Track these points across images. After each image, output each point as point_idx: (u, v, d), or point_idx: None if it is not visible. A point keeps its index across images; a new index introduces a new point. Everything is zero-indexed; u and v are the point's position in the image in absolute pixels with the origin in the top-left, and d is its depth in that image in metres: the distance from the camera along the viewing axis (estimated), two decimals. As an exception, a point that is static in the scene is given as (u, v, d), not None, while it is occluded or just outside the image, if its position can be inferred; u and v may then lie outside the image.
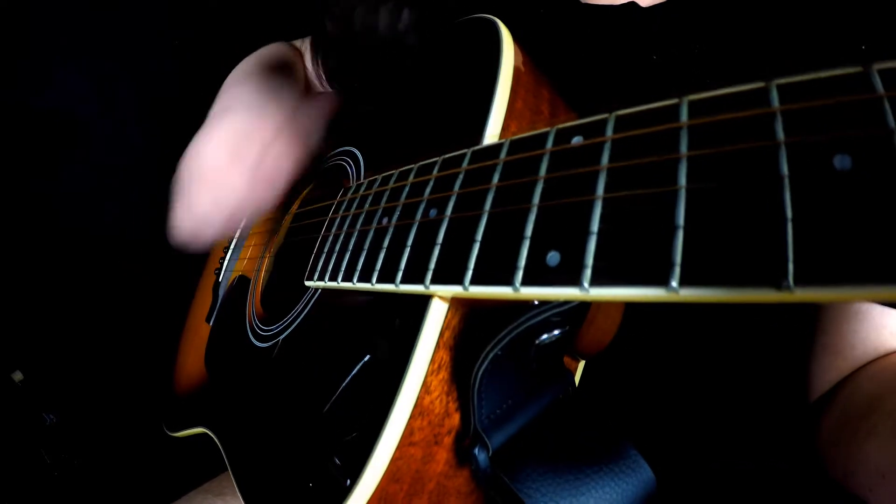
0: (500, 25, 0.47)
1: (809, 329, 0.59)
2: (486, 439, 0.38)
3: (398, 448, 0.37)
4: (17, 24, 1.35)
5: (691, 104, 0.25)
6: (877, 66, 0.20)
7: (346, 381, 0.42)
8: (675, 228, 0.22)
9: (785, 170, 0.20)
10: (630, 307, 0.42)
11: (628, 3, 0.57)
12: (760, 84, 0.23)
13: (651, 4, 0.57)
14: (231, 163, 0.61)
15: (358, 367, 0.42)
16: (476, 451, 0.38)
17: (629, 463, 0.40)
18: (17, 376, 1.39)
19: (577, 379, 0.48)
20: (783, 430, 0.62)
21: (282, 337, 0.60)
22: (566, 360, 0.46)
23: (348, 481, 0.37)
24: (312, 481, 0.41)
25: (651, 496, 0.40)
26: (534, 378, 0.41)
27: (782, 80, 0.22)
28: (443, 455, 0.40)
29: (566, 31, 0.61)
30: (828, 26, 0.50)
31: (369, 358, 0.42)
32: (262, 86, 0.74)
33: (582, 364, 0.48)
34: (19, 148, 1.40)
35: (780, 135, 0.21)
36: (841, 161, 0.19)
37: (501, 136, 0.41)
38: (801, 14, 0.51)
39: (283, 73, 0.82)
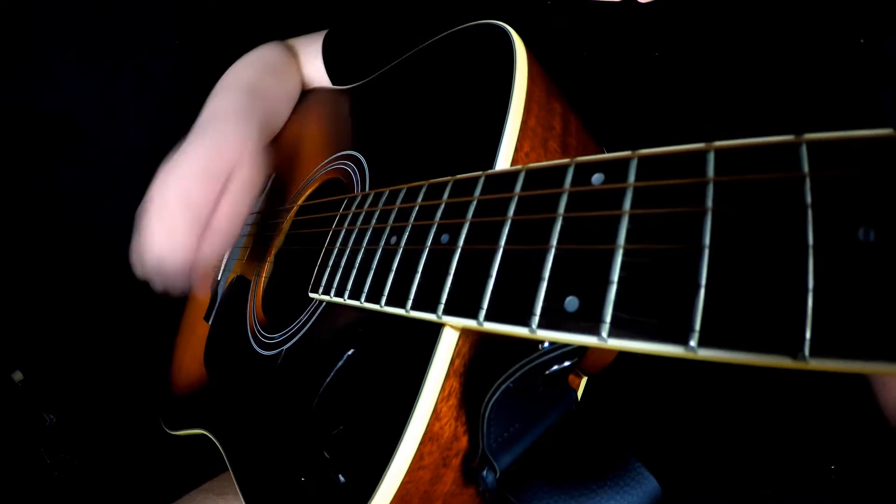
0: (513, 35, 0.46)
1: None
2: (494, 462, 0.38)
3: (408, 473, 0.37)
4: (17, 24, 1.34)
5: (718, 153, 0.24)
6: None
7: (331, 375, 0.42)
8: (696, 289, 0.22)
9: (811, 239, 0.20)
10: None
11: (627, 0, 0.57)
12: (790, 138, 0.22)
13: (649, 0, 0.57)
14: (182, 212, 0.63)
15: (342, 361, 0.42)
16: (484, 473, 0.38)
17: (634, 475, 0.40)
18: (17, 376, 1.39)
19: (579, 393, 0.48)
20: (789, 440, 0.62)
21: (286, 347, 0.60)
22: (570, 377, 0.46)
23: (341, 477, 0.37)
24: (304, 475, 0.41)
25: None
26: (540, 400, 0.41)
27: (812, 137, 0.22)
28: (450, 476, 0.40)
29: (565, 29, 0.61)
30: (826, 22, 0.50)
31: (353, 352, 0.42)
32: (237, 103, 0.77)
33: (584, 380, 0.48)
34: (19, 148, 1.39)
35: (808, 199, 0.21)
36: (865, 233, 0.19)
37: (515, 155, 0.41)
38: (800, 9, 0.51)
39: (265, 79, 0.85)
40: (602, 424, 0.43)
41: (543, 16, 0.63)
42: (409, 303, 0.37)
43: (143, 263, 0.65)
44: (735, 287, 0.21)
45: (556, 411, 0.43)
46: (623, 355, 0.43)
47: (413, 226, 0.41)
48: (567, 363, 0.37)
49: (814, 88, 0.51)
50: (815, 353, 0.19)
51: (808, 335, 0.19)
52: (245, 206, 0.67)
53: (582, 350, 0.38)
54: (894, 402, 0.54)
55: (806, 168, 0.21)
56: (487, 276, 0.31)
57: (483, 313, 0.31)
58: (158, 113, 1.49)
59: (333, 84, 0.91)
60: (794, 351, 0.19)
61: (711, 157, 0.24)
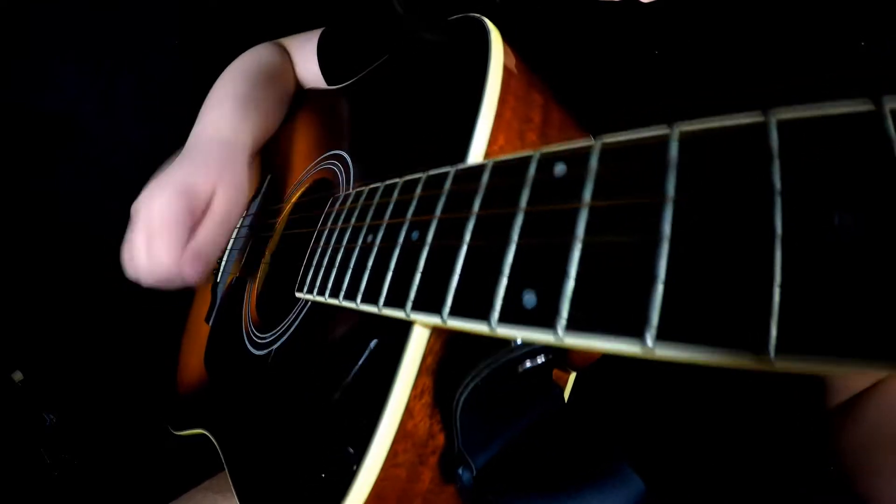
0: (489, 26, 0.45)
1: None
2: (470, 460, 0.38)
3: (382, 470, 0.37)
4: (17, 24, 1.35)
5: (682, 136, 0.23)
6: (890, 106, 0.17)
7: (357, 366, 0.42)
8: (653, 281, 0.21)
9: (779, 227, 0.18)
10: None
11: None
12: (759, 118, 0.21)
13: (651, 0, 0.57)
14: (162, 236, 0.65)
15: (366, 353, 0.42)
16: (460, 471, 0.38)
17: (618, 475, 0.39)
18: (17, 376, 1.39)
19: (568, 390, 0.47)
20: (781, 439, 0.61)
21: (275, 346, 0.60)
22: (557, 372, 0.46)
23: (355, 466, 0.37)
24: (324, 472, 0.41)
25: None
26: (519, 397, 0.41)
27: (783, 115, 0.20)
28: (428, 474, 0.40)
29: (567, 27, 0.61)
30: (827, 22, 0.50)
31: (377, 342, 0.41)
32: (228, 118, 0.80)
33: (573, 376, 0.48)
34: (19, 148, 1.40)
35: (777, 183, 0.19)
36: (842, 219, 0.17)
37: (489, 147, 0.40)
38: (801, 9, 0.51)
39: (258, 88, 0.86)
40: (588, 423, 0.42)
41: (544, 16, 0.63)
42: (382, 300, 0.37)
43: (130, 272, 0.70)
44: (695, 280, 0.20)
45: (537, 409, 0.42)
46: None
47: (387, 224, 0.41)
48: (540, 360, 0.37)
49: (814, 90, 0.50)
50: (781, 351, 0.17)
51: (773, 332, 0.17)
52: (225, 226, 0.70)
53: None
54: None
55: (775, 147, 0.19)
56: (452, 272, 0.31)
57: (447, 309, 0.30)
58: (158, 113, 1.49)
59: (328, 85, 0.91)
60: (759, 349, 0.18)
61: (675, 142, 0.23)
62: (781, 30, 0.52)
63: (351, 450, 0.38)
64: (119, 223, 1.49)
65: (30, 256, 1.43)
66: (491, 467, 0.39)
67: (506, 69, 0.43)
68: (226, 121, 0.79)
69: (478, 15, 0.48)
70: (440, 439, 0.40)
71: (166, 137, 1.11)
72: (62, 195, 1.46)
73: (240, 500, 0.53)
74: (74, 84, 1.42)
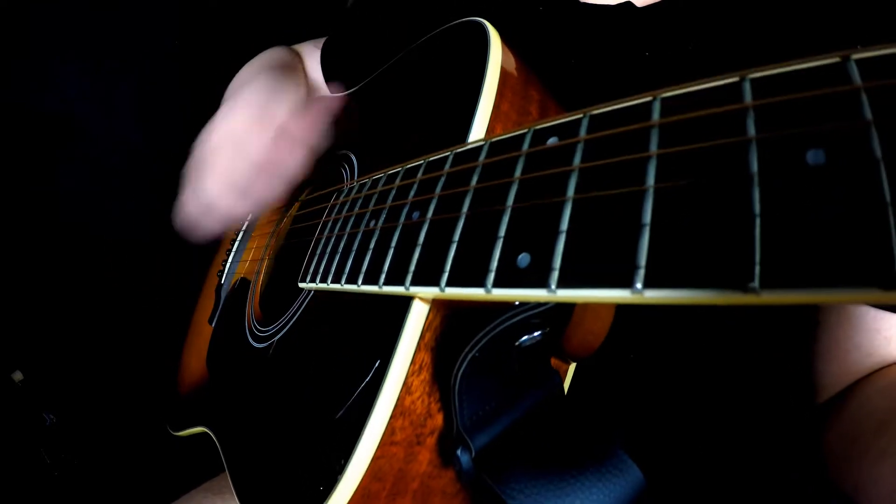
0: (489, 27, 0.47)
1: (808, 328, 0.58)
2: (469, 441, 0.38)
3: (379, 447, 0.37)
4: (17, 24, 1.36)
5: (664, 101, 0.24)
6: (855, 56, 0.19)
7: (361, 387, 0.42)
8: (640, 229, 0.22)
9: (755, 167, 0.19)
10: (622, 308, 0.42)
11: (624, 2, 0.57)
12: (734, 78, 0.22)
13: (646, 4, 0.57)
14: (253, 125, 0.63)
15: (371, 373, 0.42)
16: (459, 452, 0.38)
17: (617, 464, 0.39)
18: (17, 376, 1.39)
19: (567, 381, 0.47)
20: (782, 432, 0.61)
21: (277, 338, 0.60)
22: (556, 362, 0.46)
23: (339, 476, 0.37)
24: (323, 485, 0.41)
25: (640, 497, 0.40)
26: (517, 380, 0.41)
27: (756, 74, 0.21)
28: (426, 455, 0.40)
29: (562, 30, 0.61)
30: (820, 24, 0.50)
31: (380, 363, 0.42)
32: (269, 84, 0.76)
33: (572, 367, 0.48)
34: (19, 148, 1.40)
35: (752, 131, 0.20)
36: (814, 156, 0.18)
37: (486, 138, 0.41)
38: (796, 14, 0.51)
39: (286, 74, 0.83)
40: (588, 412, 0.42)
41: (539, 20, 0.63)
42: (382, 278, 0.37)
43: (195, 207, 0.66)
44: (680, 224, 0.21)
45: (538, 393, 0.42)
46: (610, 342, 0.43)
47: (389, 207, 0.41)
48: (537, 334, 0.37)
49: None
50: (766, 283, 0.18)
51: (757, 264, 0.18)
52: (299, 154, 0.66)
53: (551, 319, 0.38)
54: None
55: (749, 100, 0.21)
56: (450, 243, 0.32)
57: (444, 279, 0.31)
58: (158, 113, 1.50)
59: (331, 93, 0.91)
60: (744, 283, 0.18)
61: (657, 105, 0.24)
62: (774, 33, 0.52)
63: (343, 461, 0.38)
64: (119, 223, 1.50)
65: (30, 256, 1.43)
66: (489, 451, 0.39)
67: (504, 64, 0.45)
68: (261, 91, 0.74)
69: (477, 18, 0.49)
70: (439, 420, 0.40)
71: (166, 137, 1.11)
72: (62, 195, 1.46)
73: (239, 499, 0.53)
74: (74, 84, 1.42)
